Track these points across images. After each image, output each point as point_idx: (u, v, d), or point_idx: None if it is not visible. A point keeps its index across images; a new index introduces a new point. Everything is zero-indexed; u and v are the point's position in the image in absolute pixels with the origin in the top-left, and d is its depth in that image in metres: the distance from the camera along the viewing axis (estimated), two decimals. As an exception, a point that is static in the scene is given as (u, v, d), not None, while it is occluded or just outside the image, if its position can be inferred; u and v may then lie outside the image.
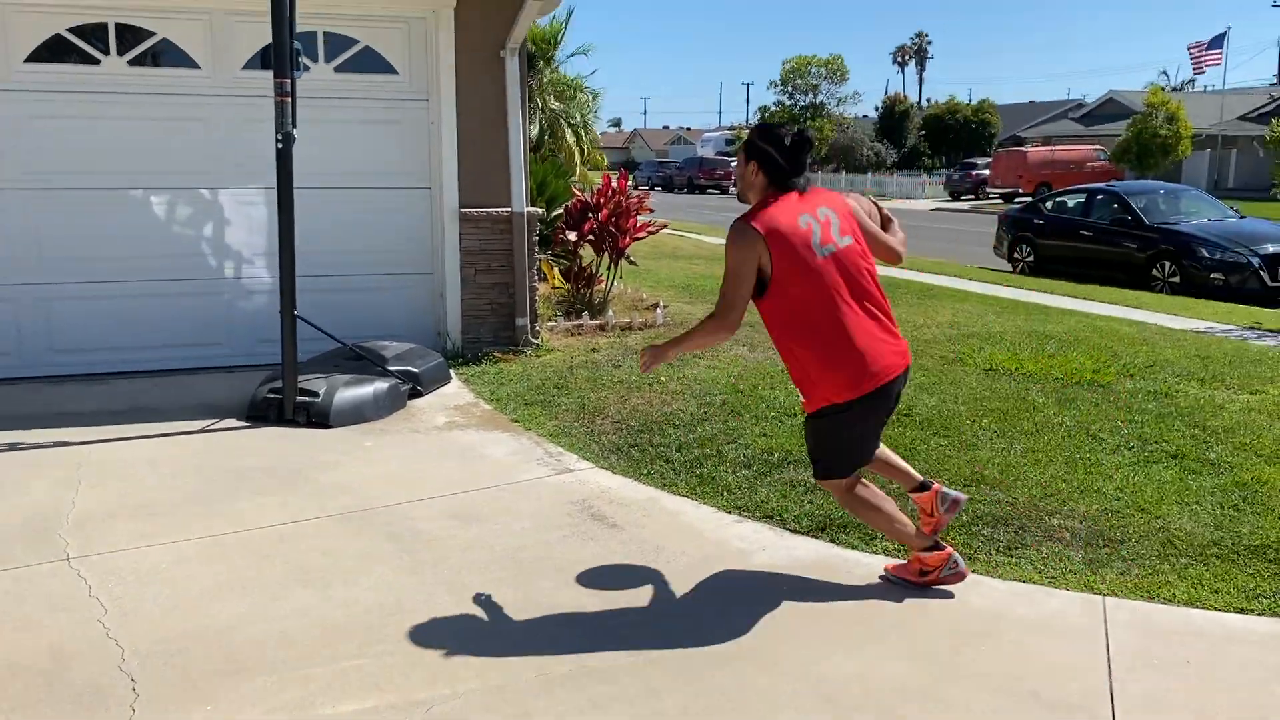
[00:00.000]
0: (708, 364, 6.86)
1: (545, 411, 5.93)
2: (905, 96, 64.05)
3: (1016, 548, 3.99)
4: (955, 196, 41.39)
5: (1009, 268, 15.25)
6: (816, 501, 4.41)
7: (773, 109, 19.26)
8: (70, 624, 3.31)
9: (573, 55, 15.16)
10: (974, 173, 41.44)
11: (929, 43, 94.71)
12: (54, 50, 6.57)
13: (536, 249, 7.70)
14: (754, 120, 52.50)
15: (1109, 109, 45.89)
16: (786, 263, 3.33)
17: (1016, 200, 31.54)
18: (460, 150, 7.28)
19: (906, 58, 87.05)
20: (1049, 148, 40.60)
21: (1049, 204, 15.89)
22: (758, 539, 4.12)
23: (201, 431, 5.59)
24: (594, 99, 16.45)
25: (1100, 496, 4.45)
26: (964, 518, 4.18)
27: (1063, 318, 9.17)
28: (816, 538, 4.13)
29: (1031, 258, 15.01)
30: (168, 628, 3.29)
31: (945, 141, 57.31)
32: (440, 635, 3.27)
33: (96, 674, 3.00)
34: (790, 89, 19.07)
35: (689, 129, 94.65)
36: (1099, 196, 14.62)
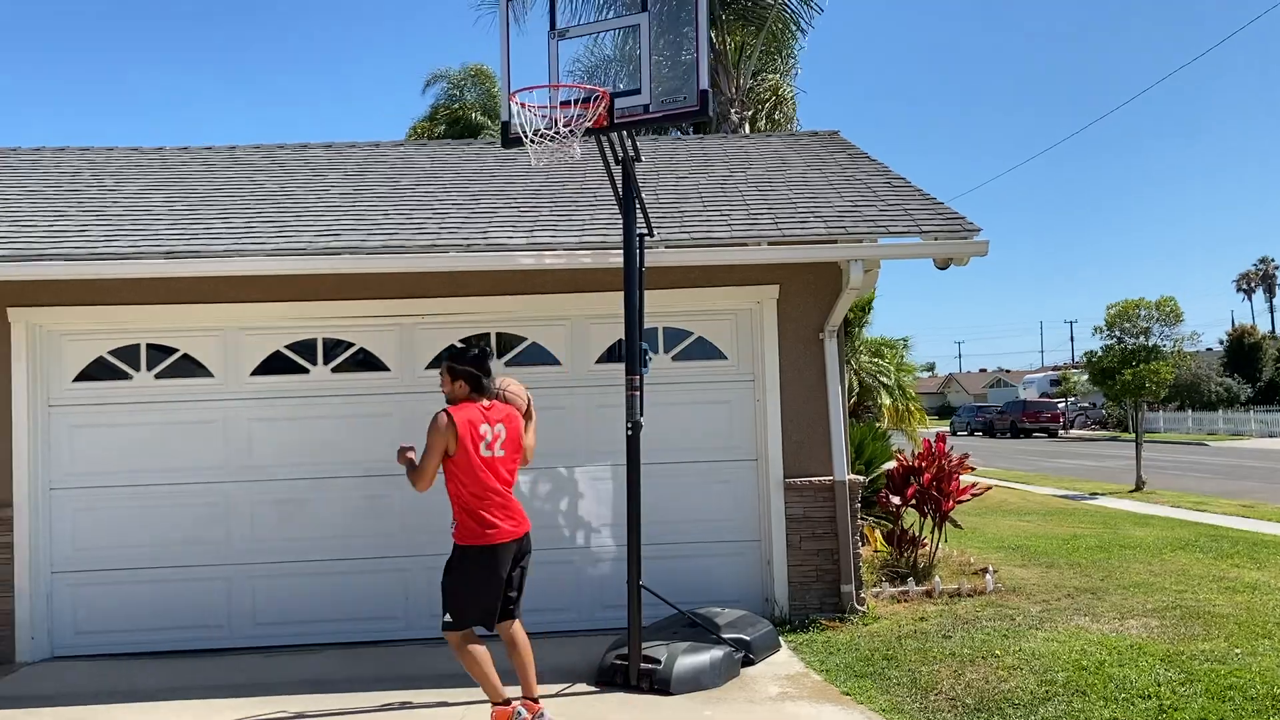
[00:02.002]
0: (1045, 636, 6.62)
1: (876, 685, 5.95)
2: (1255, 327, 59.41)
3: None
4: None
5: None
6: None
7: (1098, 352, 18.67)
8: None
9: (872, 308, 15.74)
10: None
11: (1276, 268, 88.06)
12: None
13: (859, 515, 7.92)
14: (1079, 360, 50.49)
15: None
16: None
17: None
18: (784, 424, 7.80)
19: (1252, 285, 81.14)
20: None
21: None
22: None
23: (558, 695, 6.10)
24: (905, 345, 16.79)
25: None
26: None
27: None
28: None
29: None
30: None
31: (1309, 373, 51.93)
32: None
33: None
34: (1118, 332, 18.43)
35: (1008, 370, 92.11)
36: None
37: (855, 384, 14.90)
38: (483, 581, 5.18)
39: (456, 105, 28.85)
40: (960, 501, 9.02)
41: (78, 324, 7.62)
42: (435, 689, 6.21)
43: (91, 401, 7.65)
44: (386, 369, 7.86)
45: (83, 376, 7.70)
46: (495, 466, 5.32)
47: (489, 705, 5.68)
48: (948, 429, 55.60)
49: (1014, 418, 48.59)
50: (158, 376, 7.75)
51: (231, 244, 7.31)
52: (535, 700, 5.33)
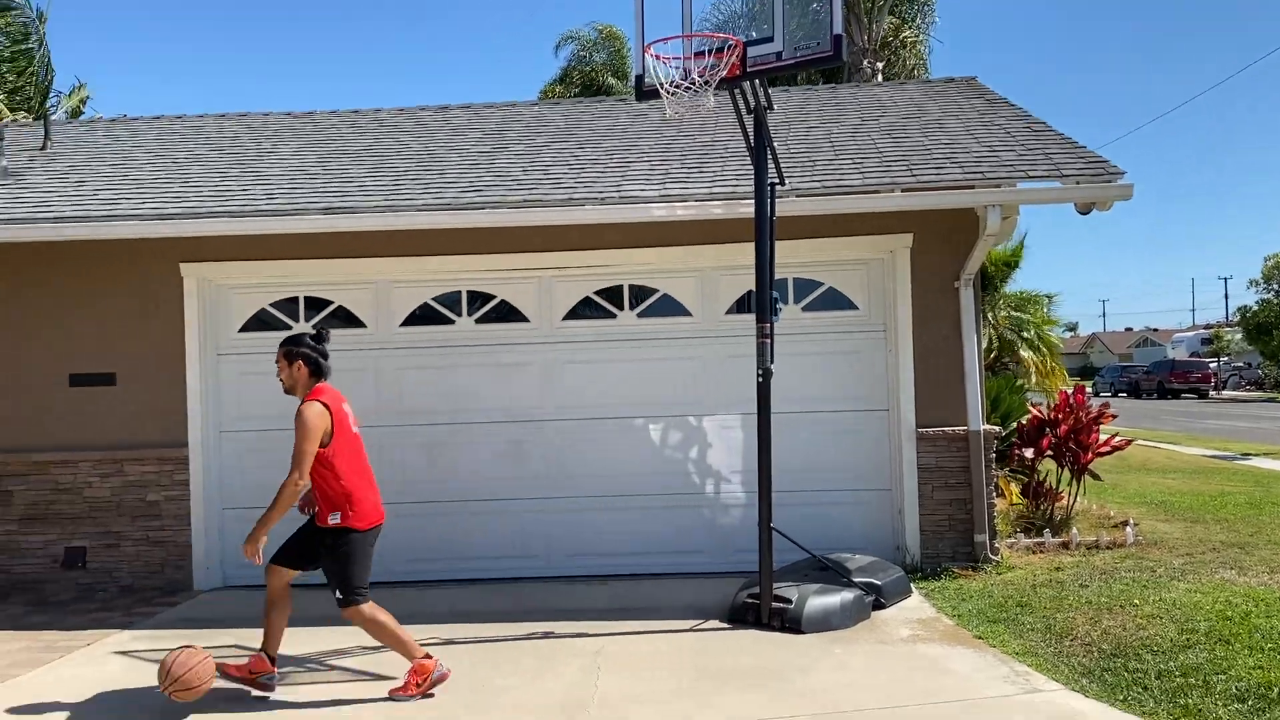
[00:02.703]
0: (1187, 587, 6.48)
1: (1009, 630, 5.96)
2: None
3: None
4: None
5: None
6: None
7: (1253, 307, 17.67)
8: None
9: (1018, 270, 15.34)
10: None
11: None
12: (584, 308, 8.16)
13: (993, 466, 7.86)
14: (1233, 317, 47.84)
15: None
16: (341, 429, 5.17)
17: None
18: (916, 374, 7.78)
19: None
20: None
21: None
22: (1254, 778, 3.88)
23: (691, 630, 6.32)
24: (1049, 301, 16.31)
25: None
26: None
27: None
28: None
29: None
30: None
31: None
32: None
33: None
34: (1277, 285, 17.40)
35: (1155, 330, 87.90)
36: None
37: (995, 339, 14.60)
38: (367, 555, 5.24)
39: (587, 67, 29.14)
40: (1100, 454, 8.82)
41: (243, 278, 8.15)
42: (574, 622, 6.52)
43: (256, 350, 8.18)
44: (526, 320, 8.16)
45: (247, 327, 8.25)
46: (360, 445, 5.32)
47: (625, 637, 5.97)
48: (1090, 389, 53.73)
49: (1161, 378, 46.43)
50: (315, 327, 8.23)
51: (382, 200, 7.70)
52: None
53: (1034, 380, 14.83)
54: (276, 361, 5.37)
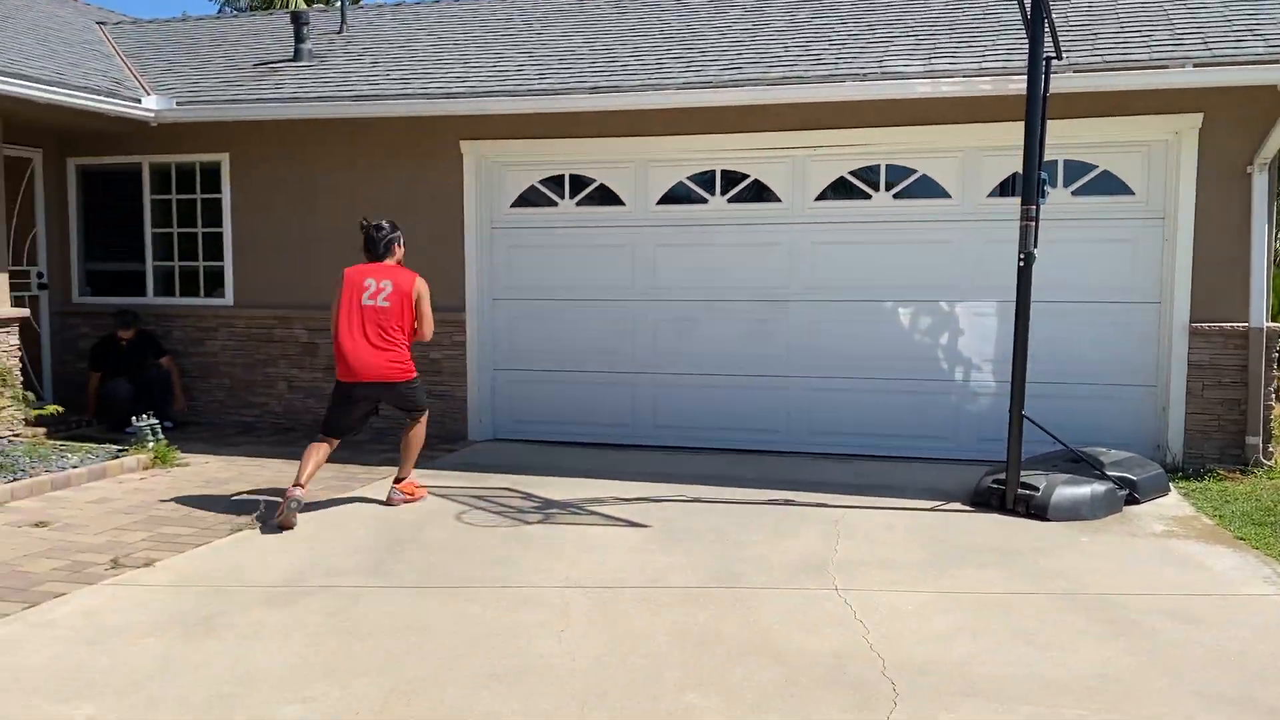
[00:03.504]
0: None
1: (1276, 534, 5.68)
2: None
3: None
4: None
5: None
6: None
7: None
8: (844, 636, 4.25)
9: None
10: None
11: None
12: (836, 189, 8.16)
13: (1275, 366, 7.32)
14: None
15: None
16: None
17: None
18: (1195, 267, 7.31)
19: None
20: None
21: None
22: None
23: (931, 510, 6.42)
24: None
25: None
26: None
27: None
28: None
29: None
30: (915, 652, 4.05)
31: None
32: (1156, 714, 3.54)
33: (866, 674, 3.85)
34: None
35: None
36: None
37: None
38: (337, 401, 6.36)
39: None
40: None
41: (515, 155, 8.68)
42: (814, 493, 6.77)
43: (525, 225, 8.77)
44: (779, 200, 8.25)
45: (517, 203, 8.82)
46: (372, 314, 6.18)
47: (865, 510, 6.18)
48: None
49: None
50: (578, 204, 8.70)
51: (645, 79, 7.93)
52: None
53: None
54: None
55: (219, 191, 9.41)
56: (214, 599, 4.68)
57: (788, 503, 6.56)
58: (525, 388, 8.90)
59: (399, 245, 6.42)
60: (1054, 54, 6.49)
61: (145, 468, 7.52)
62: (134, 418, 7.92)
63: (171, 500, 6.61)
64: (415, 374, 6.41)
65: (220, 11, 24.33)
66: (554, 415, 8.81)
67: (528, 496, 6.73)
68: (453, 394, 8.87)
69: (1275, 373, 7.45)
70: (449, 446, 8.50)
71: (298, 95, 8.71)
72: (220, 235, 9.44)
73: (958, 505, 6.51)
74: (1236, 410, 7.23)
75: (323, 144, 8.99)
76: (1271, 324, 7.25)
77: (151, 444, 7.71)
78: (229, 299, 9.46)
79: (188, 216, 9.59)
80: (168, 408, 9.08)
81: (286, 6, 20.28)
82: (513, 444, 8.73)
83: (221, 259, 9.46)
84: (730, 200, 8.38)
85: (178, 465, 7.66)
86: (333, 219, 8.95)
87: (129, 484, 7.08)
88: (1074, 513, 6.11)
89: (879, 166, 8.04)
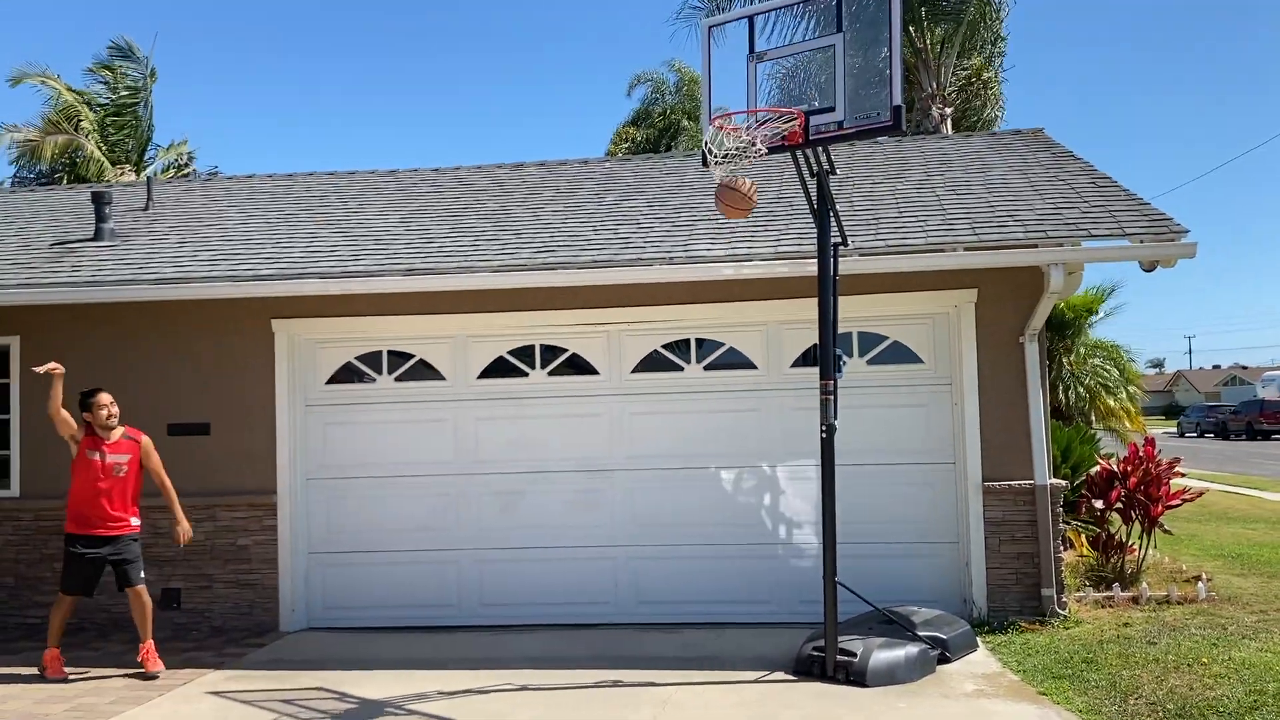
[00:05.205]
0: (1259, 646, 6.44)
1: (1074, 686, 6.00)
2: None
3: None
4: None
5: None
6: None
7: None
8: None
9: (1104, 319, 15.18)
10: None
11: None
12: (651, 361, 8.41)
13: (1060, 519, 7.88)
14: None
15: None
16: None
17: None
18: (983, 428, 7.86)
19: None
20: None
21: None
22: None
23: (756, 681, 6.47)
24: (1128, 356, 16.07)
25: None
26: None
27: None
28: None
29: None
30: None
31: None
32: None
33: None
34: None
35: (1245, 367, 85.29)
36: None
37: (1073, 384, 14.46)
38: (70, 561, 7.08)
39: (659, 110, 29.81)
40: (1170, 507, 8.75)
41: (329, 333, 8.58)
42: (644, 670, 6.71)
43: (341, 402, 8.61)
44: (596, 372, 8.45)
45: (333, 380, 8.67)
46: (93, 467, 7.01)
47: (692, 687, 6.15)
48: (1174, 429, 52.17)
49: (1250, 418, 44.94)
50: (397, 380, 8.63)
51: (461, 261, 8.08)
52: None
53: (1130, 425, 14.71)
54: (111, 405, 7.08)
55: (6, 376, 8.85)
56: None
57: (616, 683, 6.47)
58: (343, 571, 8.55)
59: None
60: (841, 240, 7.03)
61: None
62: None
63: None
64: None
65: (12, 182, 21.98)
66: (375, 599, 8.48)
67: (342, 697, 6.38)
68: (262, 582, 8.42)
69: (1064, 524, 8.00)
70: (258, 640, 8.01)
71: (96, 279, 8.39)
72: (6, 422, 8.83)
73: (781, 675, 6.58)
74: (1031, 564, 7.70)
75: (125, 324, 8.63)
76: (1054, 480, 7.83)
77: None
78: (14, 490, 8.79)
79: (-31, 402, 8.94)
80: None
81: (88, 179, 19.59)
82: (329, 633, 8.31)
83: (7, 447, 8.82)
84: (550, 373, 8.51)
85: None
86: (140, 399, 8.54)
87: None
88: (890, 677, 6.28)
89: (689, 340, 8.38)
